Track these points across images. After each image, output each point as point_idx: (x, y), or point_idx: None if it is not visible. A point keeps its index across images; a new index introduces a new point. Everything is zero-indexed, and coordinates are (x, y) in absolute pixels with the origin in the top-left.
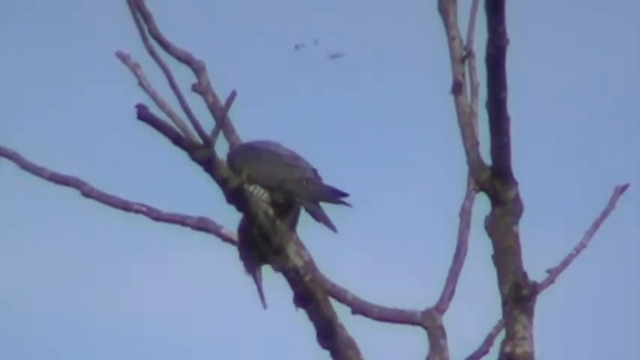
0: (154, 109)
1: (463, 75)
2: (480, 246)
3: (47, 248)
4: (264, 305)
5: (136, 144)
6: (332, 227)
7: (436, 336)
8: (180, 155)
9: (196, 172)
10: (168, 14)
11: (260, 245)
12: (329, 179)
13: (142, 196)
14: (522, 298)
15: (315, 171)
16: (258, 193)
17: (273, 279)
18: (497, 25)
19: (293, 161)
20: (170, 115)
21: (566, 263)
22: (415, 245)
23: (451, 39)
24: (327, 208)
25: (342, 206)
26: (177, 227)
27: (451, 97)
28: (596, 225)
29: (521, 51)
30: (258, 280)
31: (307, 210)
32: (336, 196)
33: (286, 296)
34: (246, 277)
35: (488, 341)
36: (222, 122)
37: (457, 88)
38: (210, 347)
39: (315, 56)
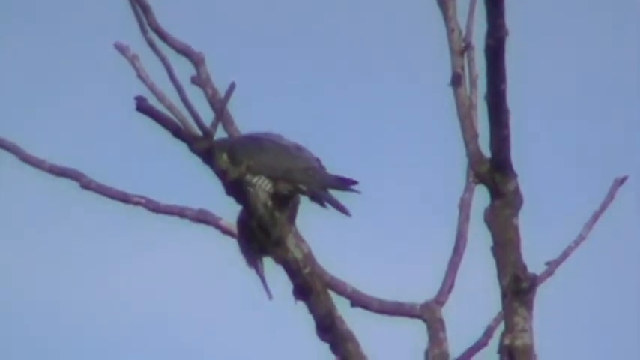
0: (153, 101)
1: (462, 67)
2: (480, 238)
3: (46, 240)
4: (270, 296)
5: (135, 136)
6: (344, 211)
7: (435, 328)
8: (180, 147)
9: (196, 163)
10: (167, 6)
11: (259, 237)
12: (329, 170)
13: (141, 188)
14: (522, 290)
15: (319, 161)
16: (262, 184)
17: (272, 271)
18: (496, 17)
19: (297, 151)
20: (169, 107)
21: (565, 255)
22: (414, 238)
23: (450, 31)
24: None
25: (347, 196)
26: (177, 219)
27: (450, 90)
28: (595, 217)
29: (520, 43)
30: (260, 272)
31: (315, 197)
32: (344, 183)
33: (286, 288)
34: (249, 269)
35: (488, 333)
36: (221, 114)
37: (456, 81)
38: (209, 339)
39: (315, 51)
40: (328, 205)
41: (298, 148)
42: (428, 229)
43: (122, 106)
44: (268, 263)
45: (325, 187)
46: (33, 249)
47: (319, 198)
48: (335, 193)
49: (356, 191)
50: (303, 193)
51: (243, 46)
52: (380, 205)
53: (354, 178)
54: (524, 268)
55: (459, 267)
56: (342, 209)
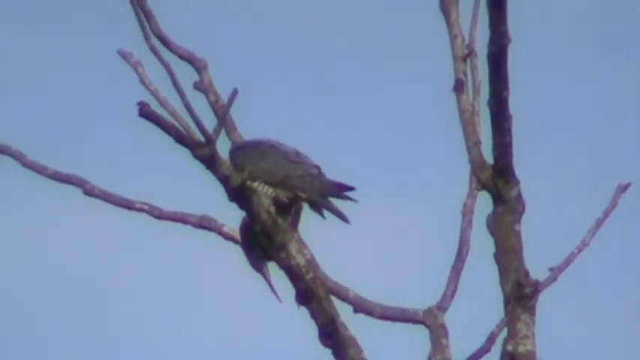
0: (155, 107)
1: (465, 73)
2: (482, 244)
3: (49, 247)
4: (279, 299)
5: (137, 142)
6: (343, 218)
7: (438, 334)
8: (182, 153)
9: (198, 169)
10: (170, 12)
11: (262, 243)
12: (331, 177)
13: (144, 194)
14: (524, 296)
15: (318, 168)
16: (263, 189)
17: (275, 277)
18: (499, 24)
19: (296, 158)
20: (172, 113)
21: (568, 262)
22: (417, 244)
23: (453, 37)
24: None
25: (347, 201)
26: (180, 225)
27: (453, 96)
28: (599, 224)
29: (522, 49)
30: (267, 277)
31: (313, 204)
32: (341, 190)
33: (288, 294)
34: (256, 274)
35: (491, 340)
36: (223, 120)
37: (459, 87)
38: (212, 345)
39: (318, 57)
40: (327, 213)
41: (298, 154)
42: (430, 235)
43: (125, 111)
44: (272, 268)
45: (323, 194)
46: (35, 255)
47: (317, 206)
48: (334, 200)
49: (352, 199)
50: (303, 200)
51: (246, 52)
52: (382, 211)
53: (352, 185)
54: (527, 274)
55: (461, 273)
56: (341, 216)
